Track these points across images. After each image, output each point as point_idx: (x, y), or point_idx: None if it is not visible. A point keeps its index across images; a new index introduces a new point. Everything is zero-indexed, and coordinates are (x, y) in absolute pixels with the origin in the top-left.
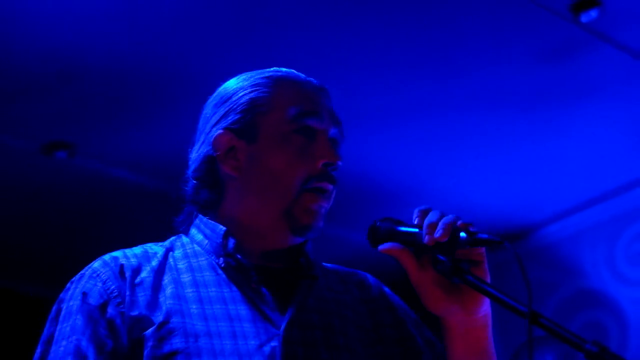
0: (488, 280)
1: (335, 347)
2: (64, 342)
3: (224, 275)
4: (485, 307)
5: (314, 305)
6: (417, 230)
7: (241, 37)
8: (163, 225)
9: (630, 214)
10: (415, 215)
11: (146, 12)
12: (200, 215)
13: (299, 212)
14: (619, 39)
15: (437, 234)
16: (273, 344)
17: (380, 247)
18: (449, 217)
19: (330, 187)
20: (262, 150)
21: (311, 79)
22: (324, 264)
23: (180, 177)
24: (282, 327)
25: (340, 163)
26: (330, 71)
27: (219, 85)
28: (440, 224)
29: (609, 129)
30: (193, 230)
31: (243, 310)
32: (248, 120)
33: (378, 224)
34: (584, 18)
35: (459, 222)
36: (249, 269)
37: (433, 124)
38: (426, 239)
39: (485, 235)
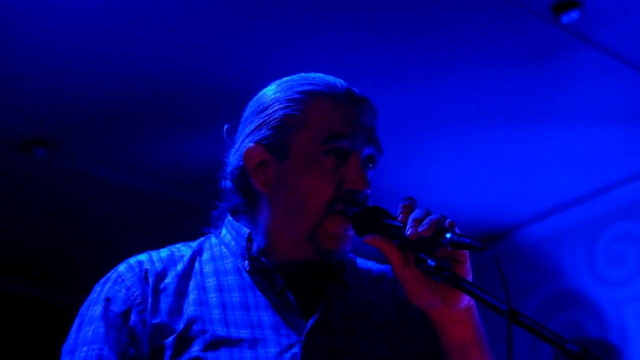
0: (470, 279)
1: (358, 353)
2: (85, 348)
3: (249, 279)
4: (467, 301)
5: (340, 310)
6: (402, 225)
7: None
8: (143, 223)
9: (610, 215)
10: (399, 208)
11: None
12: (230, 216)
13: (323, 236)
14: (599, 40)
15: (422, 228)
16: (294, 350)
17: (366, 238)
18: (435, 215)
19: (355, 210)
20: (291, 169)
21: (353, 89)
22: (358, 261)
23: (161, 176)
24: (304, 333)
25: (368, 191)
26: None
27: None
28: (426, 220)
29: (589, 130)
30: (224, 230)
31: (265, 316)
32: (279, 137)
33: (364, 213)
34: (564, 19)
35: (447, 222)
36: (274, 273)
37: (414, 125)
38: (409, 231)
39: (467, 240)
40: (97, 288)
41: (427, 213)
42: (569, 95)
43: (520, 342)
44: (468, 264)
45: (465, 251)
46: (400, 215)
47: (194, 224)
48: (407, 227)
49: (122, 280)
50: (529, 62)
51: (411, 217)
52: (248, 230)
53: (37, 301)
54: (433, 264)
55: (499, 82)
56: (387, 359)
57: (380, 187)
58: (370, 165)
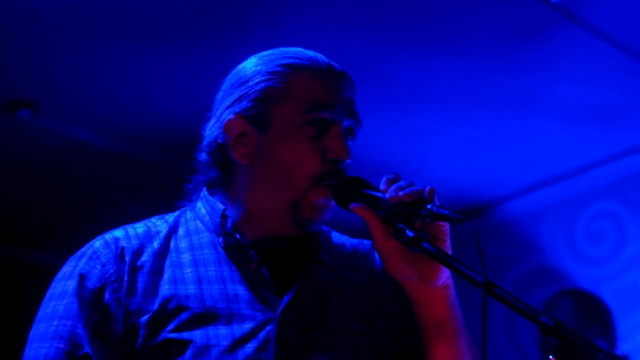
0: (450, 250)
1: (330, 331)
2: (55, 322)
3: (224, 254)
4: (444, 279)
5: (314, 288)
6: (384, 195)
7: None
8: (125, 187)
9: (591, 193)
10: (383, 182)
11: None
12: (205, 190)
13: (305, 206)
14: (588, 20)
15: (402, 192)
16: (268, 327)
17: (352, 206)
18: (417, 186)
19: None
20: (273, 140)
21: (334, 64)
22: (333, 235)
23: (144, 140)
24: (279, 310)
25: (349, 161)
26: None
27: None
28: (408, 188)
29: (574, 108)
30: (199, 204)
31: (241, 290)
32: (261, 109)
33: (346, 182)
34: None
35: (427, 191)
36: (248, 249)
37: (398, 98)
38: (390, 194)
39: (446, 211)
40: (71, 262)
41: (410, 184)
42: (556, 75)
43: (496, 319)
44: (448, 242)
45: (445, 229)
46: (384, 186)
47: (177, 190)
48: (389, 192)
49: (97, 257)
50: (517, 41)
51: (394, 185)
52: (222, 207)
53: (11, 261)
54: (411, 234)
55: (487, 61)
56: (360, 335)
57: (366, 162)
58: (350, 137)
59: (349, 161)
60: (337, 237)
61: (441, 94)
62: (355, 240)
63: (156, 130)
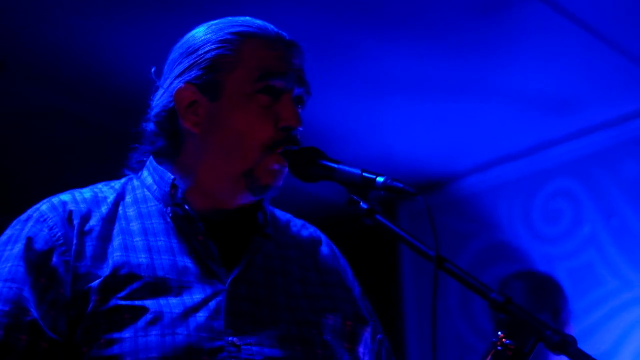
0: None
1: (275, 306)
2: (0, 284)
3: (172, 224)
4: None
5: (261, 263)
6: (339, 166)
7: None
8: (87, 150)
9: (548, 171)
10: None
11: None
12: (152, 159)
13: (260, 173)
14: None
15: None
16: (218, 298)
17: None
18: None
19: (294, 148)
20: (224, 109)
21: (283, 33)
22: (277, 213)
23: (108, 103)
24: (227, 282)
25: (300, 128)
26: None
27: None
28: None
29: (532, 84)
30: (145, 173)
31: (190, 263)
32: (211, 77)
33: (302, 152)
34: None
35: None
36: (196, 220)
37: (357, 70)
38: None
39: (400, 184)
40: (17, 225)
41: None
42: (514, 47)
43: (451, 296)
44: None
45: None
46: None
47: (126, 153)
48: None
49: (45, 220)
50: (476, 14)
51: None
52: (172, 177)
53: None
54: (365, 206)
55: (446, 32)
56: (306, 311)
57: (324, 134)
58: (300, 106)
59: (301, 129)
60: (282, 214)
61: (402, 75)
62: (298, 220)
63: (116, 92)
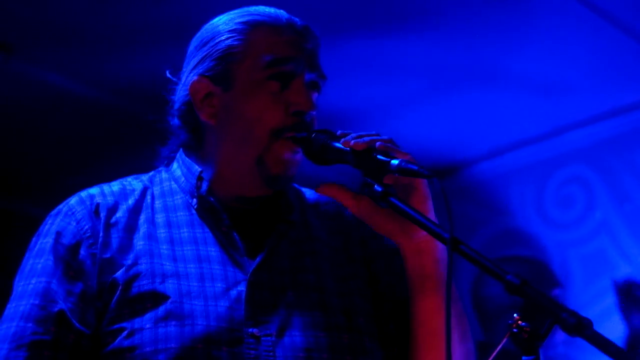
0: (428, 206)
1: (304, 287)
2: (33, 280)
3: (197, 215)
4: (425, 233)
5: (286, 249)
6: (347, 149)
7: None
8: (98, 136)
9: (561, 157)
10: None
11: None
12: (182, 152)
13: (270, 161)
14: None
15: (354, 141)
16: (240, 288)
17: (317, 189)
18: (372, 136)
19: (302, 135)
20: (237, 97)
21: (294, 19)
22: (306, 193)
23: (120, 89)
24: (249, 271)
25: (313, 112)
26: None
27: None
28: (366, 137)
29: (545, 69)
30: (174, 165)
31: (213, 252)
32: (223, 67)
33: (314, 135)
34: None
35: (379, 143)
36: (221, 212)
37: (372, 56)
38: (342, 141)
39: (415, 167)
40: (49, 220)
41: (374, 134)
42: (528, 34)
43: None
44: (425, 190)
45: (420, 180)
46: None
47: (150, 141)
48: (345, 139)
49: (73, 214)
50: (492, 1)
51: (353, 134)
52: (199, 169)
53: None
54: (380, 189)
55: (459, 19)
56: (333, 294)
57: (336, 118)
58: (314, 91)
59: (314, 113)
60: (311, 194)
61: (414, 62)
62: (327, 198)
63: (133, 80)
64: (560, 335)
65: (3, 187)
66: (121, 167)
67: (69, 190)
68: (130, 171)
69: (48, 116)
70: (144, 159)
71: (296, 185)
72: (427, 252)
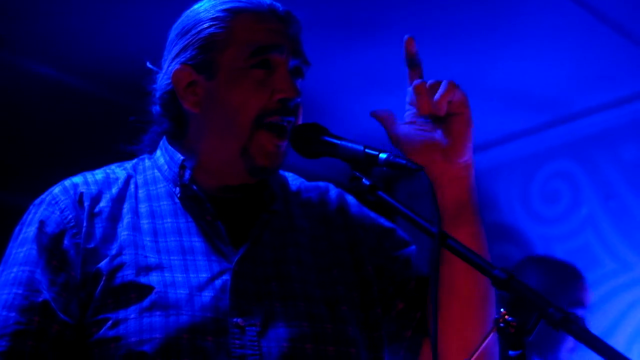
0: (470, 133)
1: (287, 279)
2: (15, 269)
3: (180, 204)
4: (467, 157)
5: (269, 240)
6: (341, 142)
7: None
8: (87, 126)
9: (547, 152)
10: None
11: None
12: (165, 140)
13: (255, 152)
14: None
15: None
16: (224, 277)
17: (372, 114)
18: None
19: (290, 119)
20: (221, 86)
21: (277, 5)
22: (289, 180)
23: (109, 79)
24: (234, 261)
25: (299, 99)
26: None
27: None
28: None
29: (532, 64)
30: (158, 153)
31: (197, 242)
32: (206, 56)
33: (303, 129)
34: None
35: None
36: (205, 201)
37: (348, 60)
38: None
39: (403, 161)
40: (32, 209)
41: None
42: (515, 30)
43: None
44: (468, 116)
45: (464, 103)
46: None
47: (136, 130)
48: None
49: (56, 203)
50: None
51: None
52: (182, 157)
53: None
54: (368, 182)
55: (445, 14)
56: (315, 286)
57: (326, 107)
58: (298, 77)
59: (299, 100)
60: (294, 181)
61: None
62: (310, 185)
63: (119, 69)
64: (569, 342)
65: None
66: (106, 155)
67: (52, 180)
68: (115, 160)
69: (25, 104)
70: (128, 149)
71: (280, 171)
72: (465, 179)
